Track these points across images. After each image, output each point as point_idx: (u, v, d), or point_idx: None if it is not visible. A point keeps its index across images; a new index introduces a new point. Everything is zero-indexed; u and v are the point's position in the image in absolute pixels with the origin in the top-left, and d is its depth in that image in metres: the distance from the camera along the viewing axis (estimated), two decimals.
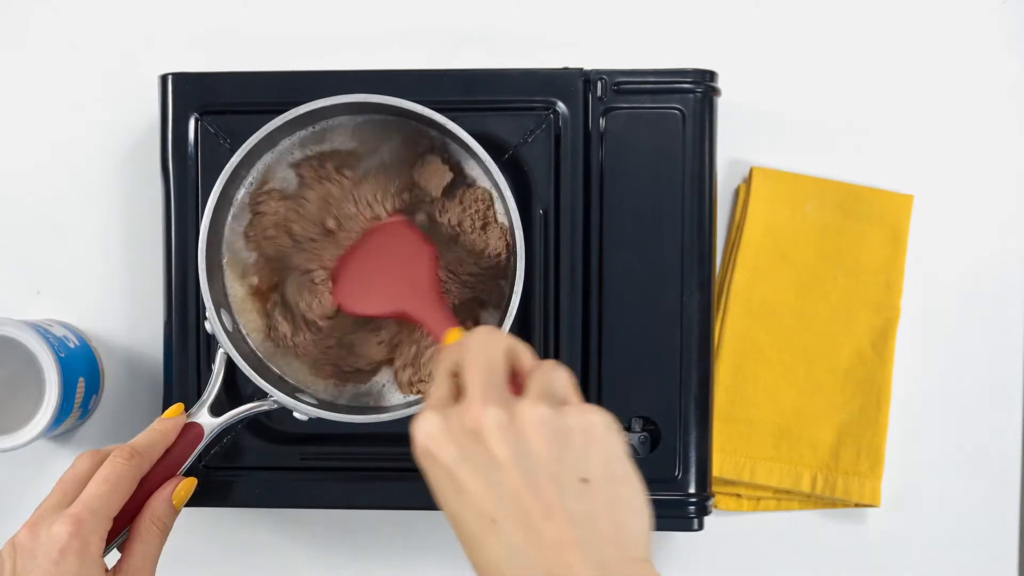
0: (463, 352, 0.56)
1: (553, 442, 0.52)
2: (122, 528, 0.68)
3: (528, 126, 0.76)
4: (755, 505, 0.83)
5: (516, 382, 0.56)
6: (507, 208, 0.73)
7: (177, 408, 0.73)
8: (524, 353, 0.57)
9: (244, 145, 0.73)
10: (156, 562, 0.68)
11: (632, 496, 0.53)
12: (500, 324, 0.72)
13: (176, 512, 0.70)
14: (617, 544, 0.51)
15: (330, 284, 0.75)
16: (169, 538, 0.70)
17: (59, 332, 0.79)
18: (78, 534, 0.63)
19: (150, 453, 0.69)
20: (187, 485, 0.71)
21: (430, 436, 0.53)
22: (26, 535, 0.64)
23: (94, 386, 0.82)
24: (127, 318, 0.84)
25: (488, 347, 0.56)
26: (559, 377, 0.55)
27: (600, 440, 0.53)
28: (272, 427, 0.77)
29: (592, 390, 0.77)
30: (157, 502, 0.69)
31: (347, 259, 0.75)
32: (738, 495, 0.83)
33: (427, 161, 0.75)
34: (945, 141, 0.84)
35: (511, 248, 0.74)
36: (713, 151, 0.78)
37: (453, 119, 0.72)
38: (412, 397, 0.76)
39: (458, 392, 0.55)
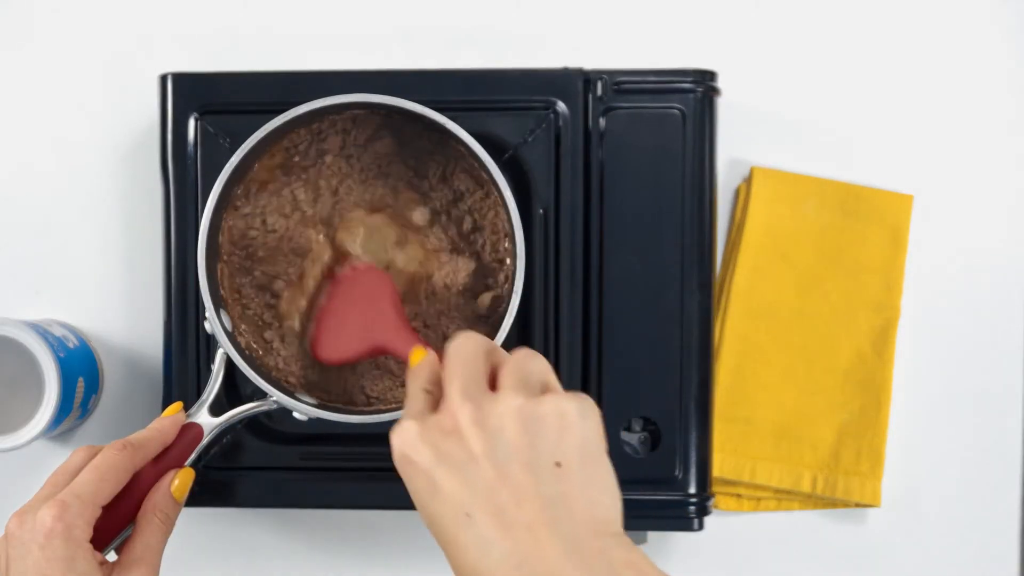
0: (445, 359, 0.57)
1: (526, 431, 0.53)
2: (124, 526, 0.68)
3: (528, 126, 0.76)
4: (755, 505, 0.83)
5: (495, 381, 0.57)
6: (507, 208, 0.73)
7: (176, 407, 0.73)
8: (502, 352, 0.58)
9: (244, 145, 0.73)
10: (159, 554, 0.68)
11: (604, 475, 0.54)
12: (500, 325, 0.72)
13: (178, 504, 0.70)
14: (590, 522, 0.52)
15: (309, 341, 0.76)
16: (170, 538, 0.70)
17: (59, 332, 0.79)
18: (62, 517, 0.63)
19: (144, 446, 0.69)
20: (186, 475, 0.70)
21: (407, 442, 0.55)
22: (15, 524, 0.64)
23: (94, 386, 0.82)
24: (127, 318, 0.84)
25: (466, 350, 0.57)
26: (534, 367, 0.56)
27: (573, 426, 0.54)
28: (272, 427, 0.77)
29: (592, 390, 0.76)
30: (157, 495, 0.69)
31: (317, 317, 0.76)
32: (738, 495, 0.83)
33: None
34: (945, 141, 0.84)
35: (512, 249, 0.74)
36: (713, 151, 0.78)
37: (453, 119, 0.72)
38: None
39: (434, 405, 0.57)
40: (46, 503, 0.64)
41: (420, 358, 0.61)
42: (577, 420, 0.54)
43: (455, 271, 0.76)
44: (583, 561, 0.51)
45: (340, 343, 0.74)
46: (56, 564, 0.62)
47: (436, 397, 0.58)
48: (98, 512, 0.65)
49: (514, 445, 0.53)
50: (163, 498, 0.69)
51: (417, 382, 0.59)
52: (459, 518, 0.53)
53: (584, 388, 0.76)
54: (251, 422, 0.77)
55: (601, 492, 0.53)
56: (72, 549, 0.63)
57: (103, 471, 0.66)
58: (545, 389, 0.56)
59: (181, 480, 0.70)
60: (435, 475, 0.54)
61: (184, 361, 0.77)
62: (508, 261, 0.75)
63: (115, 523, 0.68)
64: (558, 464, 0.53)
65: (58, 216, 0.85)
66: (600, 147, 0.77)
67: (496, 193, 0.74)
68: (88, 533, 0.64)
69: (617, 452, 0.76)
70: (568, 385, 0.76)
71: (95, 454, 0.68)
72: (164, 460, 0.70)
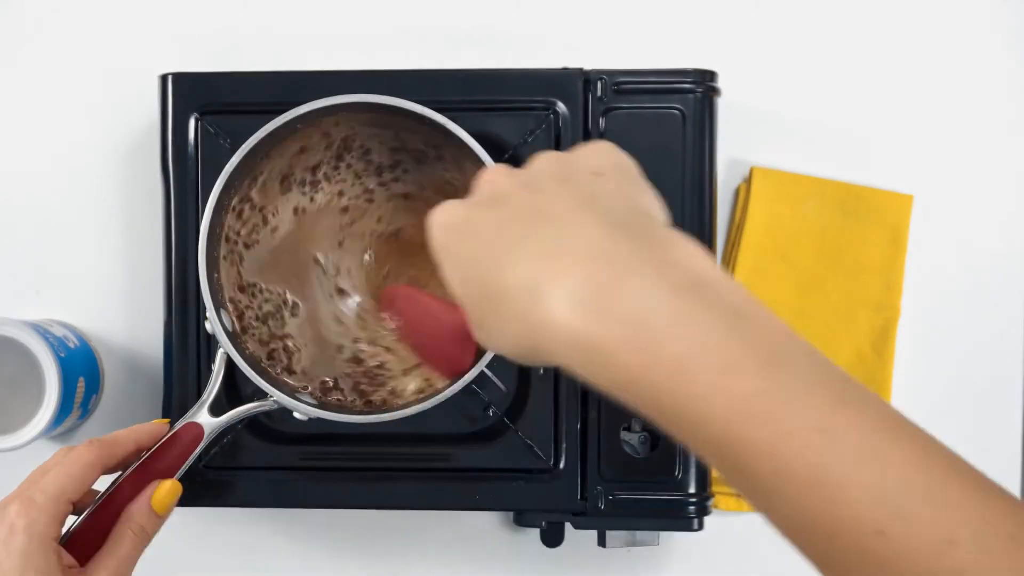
0: None
1: (561, 159, 0.51)
2: (108, 523, 0.67)
3: (528, 126, 0.76)
4: None
5: None
6: None
7: (163, 421, 0.73)
8: None
9: (244, 145, 0.73)
10: (128, 564, 0.66)
11: (646, 186, 0.51)
12: None
13: (159, 517, 0.68)
14: (633, 209, 0.49)
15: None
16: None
17: (59, 332, 0.79)
18: (25, 512, 0.63)
19: (114, 443, 0.68)
20: (169, 488, 0.68)
21: (446, 211, 0.51)
22: None
23: (94, 386, 0.82)
24: (127, 318, 0.84)
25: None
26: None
27: (608, 150, 0.52)
28: (272, 427, 0.77)
29: (592, 390, 0.76)
30: (135, 505, 0.67)
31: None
32: (738, 495, 0.83)
33: None
34: (945, 141, 0.84)
35: None
36: (713, 151, 0.78)
37: (453, 119, 0.72)
38: (412, 398, 0.76)
39: None
40: (12, 499, 0.64)
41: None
42: (610, 147, 0.52)
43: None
44: (628, 234, 0.47)
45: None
46: (17, 559, 0.62)
47: None
48: (66, 507, 0.65)
49: (551, 169, 0.50)
50: (140, 509, 0.67)
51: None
52: (501, 244, 0.48)
53: (584, 388, 0.76)
54: (251, 422, 0.77)
55: (641, 193, 0.50)
56: (35, 545, 0.63)
57: (68, 466, 0.66)
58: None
59: (162, 492, 0.68)
60: (471, 218, 0.50)
61: (184, 361, 0.77)
62: None
63: (104, 527, 0.67)
64: (596, 173, 0.50)
65: (58, 216, 0.85)
66: None
67: None
68: (53, 529, 0.64)
69: (617, 452, 0.76)
70: (568, 384, 0.76)
71: None
72: (164, 460, 0.70)
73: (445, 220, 0.52)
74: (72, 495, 0.65)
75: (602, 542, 0.78)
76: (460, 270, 0.51)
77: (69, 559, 0.65)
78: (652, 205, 0.51)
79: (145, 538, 0.67)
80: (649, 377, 0.44)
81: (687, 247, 0.47)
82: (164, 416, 0.76)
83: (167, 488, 0.68)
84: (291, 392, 0.74)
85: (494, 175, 0.52)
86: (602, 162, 0.51)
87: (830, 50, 0.84)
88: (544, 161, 0.52)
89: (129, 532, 0.67)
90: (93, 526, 0.67)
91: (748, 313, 0.45)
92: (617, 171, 0.51)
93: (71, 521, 0.67)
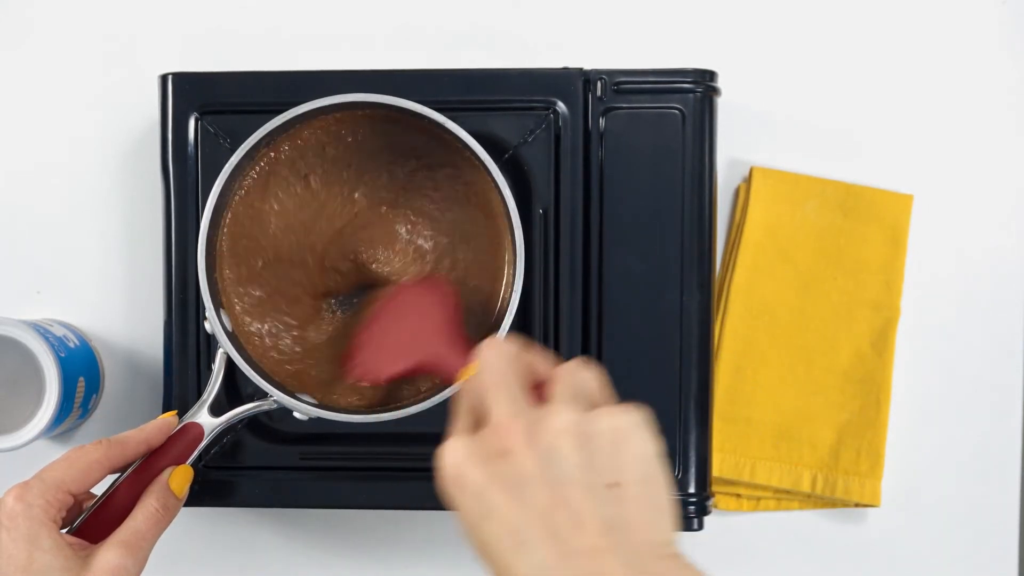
0: (478, 376, 0.55)
1: (581, 448, 0.51)
2: (112, 518, 0.68)
3: (528, 126, 0.76)
4: (755, 505, 0.83)
5: (539, 390, 0.55)
6: (507, 208, 0.73)
7: (170, 413, 0.73)
8: (538, 358, 0.57)
9: (244, 145, 0.73)
10: (147, 541, 0.67)
11: (659, 494, 0.52)
12: (499, 324, 0.72)
13: (177, 499, 0.69)
14: (649, 543, 0.51)
15: (346, 366, 0.74)
16: (170, 538, 0.70)
17: (59, 332, 0.79)
18: (22, 497, 0.64)
19: (123, 443, 0.69)
20: (184, 471, 0.70)
21: (456, 462, 0.52)
22: None
23: (94, 386, 0.82)
24: (127, 318, 0.84)
25: (499, 362, 0.55)
26: (586, 378, 0.55)
27: (629, 442, 0.52)
28: (272, 427, 0.78)
29: None
30: (156, 486, 0.69)
31: (358, 338, 0.74)
32: (738, 495, 0.83)
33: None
34: (945, 141, 0.84)
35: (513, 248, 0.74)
36: (713, 151, 0.78)
37: (453, 119, 0.72)
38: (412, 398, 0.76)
39: (479, 422, 0.54)
40: (12, 487, 0.65)
41: (472, 374, 0.58)
42: (632, 435, 0.52)
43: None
44: None
45: (379, 361, 0.72)
46: (20, 544, 0.63)
47: (482, 409, 0.55)
48: (64, 496, 0.65)
49: (568, 464, 0.51)
50: (162, 489, 0.69)
51: (466, 399, 0.56)
52: (514, 543, 0.50)
53: None
54: (251, 422, 0.77)
55: (657, 512, 0.52)
56: (35, 528, 0.63)
57: (72, 458, 0.67)
58: (595, 402, 0.54)
59: (177, 474, 0.69)
60: (487, 496, 0.51)
61: (184, 361, 0.77)
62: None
63: (109, 520, 0.68)
64: (615, 484, 0.51)
65: (58, 216, 0.85)
66: (600, 147, 0.77)
67: (497, 194, 0.74)
68: (50, 512, 0.64)
69: None
70: None
71: None
72: (165, 459, 0.70)
73: (457, 472, 0.52)
74: (72, 487, 0.66)
75: None
76: (470, 533, 0.52)
77: (71, 539, 0.66)
78: (667, 527, 0.52)
79: (167, 515, 0.68)
80: None
81: None
82: None
83: (180, 471, 0.70)
84: (291, 392, 0.74)
85: (513, 433, 0.52)
86: (622, 464, 0.51)
87: (830, 50, 0.84)
88: (563, 437, 0.51)
89: (153, 506, 0.67)
90: (98, 520, 0.68)
91: None
92: (636, 478, 0.51)
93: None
